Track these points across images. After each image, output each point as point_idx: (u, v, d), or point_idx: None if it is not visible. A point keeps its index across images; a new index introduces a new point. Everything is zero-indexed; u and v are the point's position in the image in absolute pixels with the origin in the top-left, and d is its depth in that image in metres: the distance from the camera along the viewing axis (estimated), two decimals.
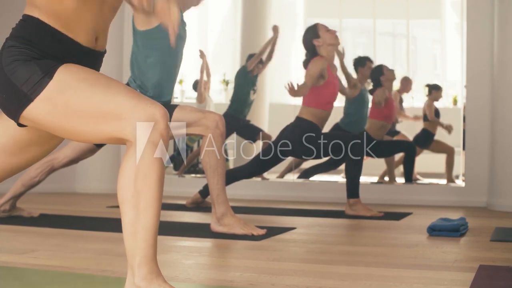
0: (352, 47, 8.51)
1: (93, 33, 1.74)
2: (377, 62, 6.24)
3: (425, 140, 6.49)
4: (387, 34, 8.30)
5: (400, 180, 6.21)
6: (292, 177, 6.14)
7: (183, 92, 7.49)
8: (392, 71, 5.64)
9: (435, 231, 3.30)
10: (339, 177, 6.26)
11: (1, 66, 1.69)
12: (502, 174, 4.91)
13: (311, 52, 4.35)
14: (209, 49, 7.81)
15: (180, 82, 7.29)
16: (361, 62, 6.01)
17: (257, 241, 3.02)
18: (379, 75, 5.59)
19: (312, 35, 4.35)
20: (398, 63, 8.12)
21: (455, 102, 7.45)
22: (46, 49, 1.69)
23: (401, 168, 6.33)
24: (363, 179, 4.50)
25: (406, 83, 6.79)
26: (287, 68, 7.62)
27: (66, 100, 1.65)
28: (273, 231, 3.32)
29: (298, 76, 7.85)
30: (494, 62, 5.07)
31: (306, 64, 4.37)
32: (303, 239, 3.24)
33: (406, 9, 7.71)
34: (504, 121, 4.93)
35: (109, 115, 1.63)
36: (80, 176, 5.85)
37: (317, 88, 4.29)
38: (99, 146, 3.76)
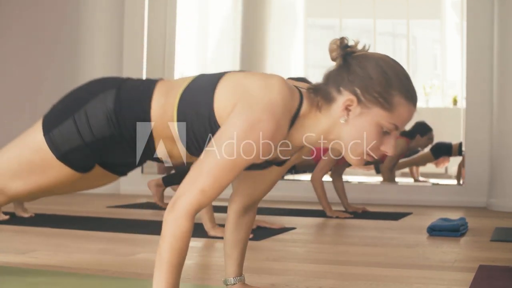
0: None
1: None
2: None
3: (446, 150, 6.46)
4: (387, 34, 8.29)
5: (400, 180, 6.21)
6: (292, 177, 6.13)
7: None
8: None
9: (435, 231, 3.30)
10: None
11: None
12: (502, 174, 4.91)
13: None
14: (209, 49, 7.81)
15: None
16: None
17: (257, 241, 3.01)
18: None
19: None
20: None
21: (455, 102, 7.45)
22: None
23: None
24: (363, 179, 4.50)
25: None
26: (287, 68, 7.61)
27: None
28: (273, 231, 3.32)
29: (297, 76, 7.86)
30: (494, 62, 5.07)
31: None
32: (303, 239, 3.24)
33: (406, 9, 7.71)
34: (504, 121, 4.92)
35: None
36: None
37: None
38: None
